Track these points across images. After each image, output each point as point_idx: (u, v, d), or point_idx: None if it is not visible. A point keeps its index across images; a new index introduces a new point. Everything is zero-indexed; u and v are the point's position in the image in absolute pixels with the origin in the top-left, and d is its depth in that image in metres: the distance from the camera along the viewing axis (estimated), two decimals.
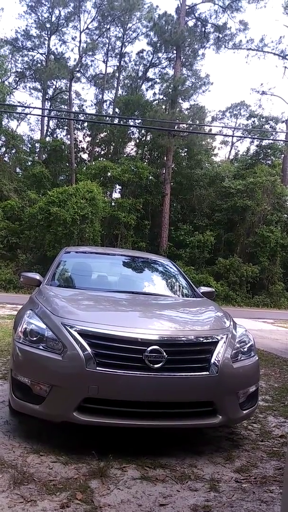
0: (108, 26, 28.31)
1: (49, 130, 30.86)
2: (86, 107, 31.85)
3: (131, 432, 3.11)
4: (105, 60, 30.16)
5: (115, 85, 30.79)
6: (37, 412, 2.89)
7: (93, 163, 26.66)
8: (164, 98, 27.33)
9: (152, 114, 23.15)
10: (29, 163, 26.71)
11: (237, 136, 32.70)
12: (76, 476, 2.54)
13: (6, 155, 26.24)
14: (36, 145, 28.65)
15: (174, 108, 24.57)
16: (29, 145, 28.85)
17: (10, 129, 25.88)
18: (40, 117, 29.60)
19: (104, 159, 27.50)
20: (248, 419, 3.53)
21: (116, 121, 27.93)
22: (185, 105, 27.23)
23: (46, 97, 29.76)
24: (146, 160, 27.87)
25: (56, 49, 29.48)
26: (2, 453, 2.76)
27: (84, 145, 30.68)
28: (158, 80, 28.77)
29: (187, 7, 25.46)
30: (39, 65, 28.97)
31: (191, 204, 25.67)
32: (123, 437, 3.12)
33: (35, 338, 2.98)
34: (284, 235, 23.84)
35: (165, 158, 25.87)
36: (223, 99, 51.53)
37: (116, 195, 26.85)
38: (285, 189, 24.56)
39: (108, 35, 29.15)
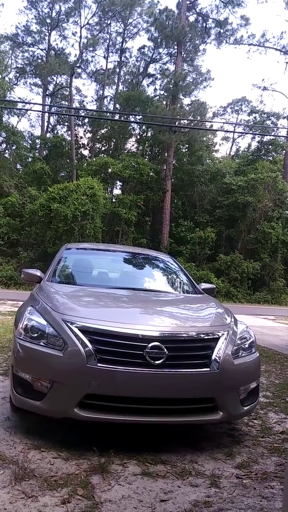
0: (108, 22, 28.21)
1: (50, 126, 30.81)
2: (87, 103, 31.80)
3: (132, 428, 3.11)
4: (106, 55, 30.08)
5: (116, 81, 30.71)
6: (38, 408, 2.89)
7: (94, 159, 26.63)
8: (165, 93, 27.26)
9: (153, 110, 23.10)
10: (30, 160, 26.67)
11: (238, 132, 32.63)
12: (77, 472, 2.55)
13: (7, 151, 26.19)
14: (37, 141, 28.59)
15: (175, 104, 24.51)
16: (30, 141, 28.80)
17: (10, 125, 25.81)
18: (41, 113, 29.54)
19: (105, 155, 27.46)
20: (249, 415, 3.53)
21: (116, 117, 27.86)
22: (186, 101, 27.21)
23: (47, 93, 29.68)
24: (147, 156, 27.83)
25: (57, 44, 29.43)
26: (3, 449, 2.76)
27: (85, 141, 30.67)
28: (159, 76, 28.71)
29: (188, 2, 25.33)
30: (39, 60, 28.86)
31: (192, 201, 25.64)
32: (124, 433, 3.12)
33: (36, 335, 2.98)
34: (285, 231, 23.81)
35: (166, 154, 25.83)
36: (224, 94, 51.48)
37: (117, 191, 26.89)
38: (287, 185, 24.50)
39: (109, 31, 29.07)
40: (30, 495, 2.25)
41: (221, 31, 26.24)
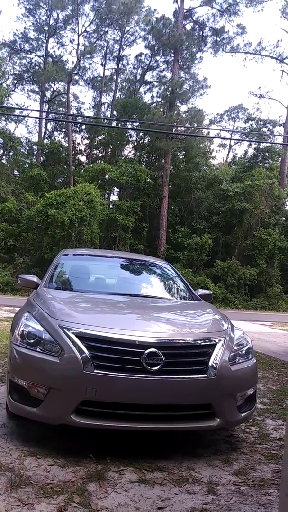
0: (106, 29, 28.40)
1: (47, 132, 30.89)
2: (84, 109, 31.92)
3: (129, 435, 3.10)
4: (103, 63, 30.24)
5: (113, 88, 30.88)
6: (35, 415, 2.88)
7: (91, 165, 26.68)
8: (162, 101, 27.42)
9: (150, 117, 23.21)
10: (27, 166, 26.69)
11: (235, 139, 32.83)
12: (74, 479, 2.53)
13: (4, 157, 26.19)
14: (34, 147, 28.64)
15: (172, 111, 24.64)
16: (27, 148, 28.84)
17: (8, 132, 25.84)
18: (38, 119, 29.63)
19: (102, 162, 27.53)
20: (246, 421, 3.52)
21: (114, 123, 27.99)
22: (183, 108, 27.34)
23: (44, 99, 29.79)
24: (144, 163, 27.92)
25: (54, 51, 29.55)
26: None
27: (82, 147, 30.76)
28: (156, 83, 28.89)
29: (185, 11, 25.55)
30: (37, 67, 28.98)
31: (189, 207, 25.71)
32: (120, 440, 3.11)
33: (32, 341, 2.97)
34: (282, 237, 23.90)
35: (163, 161, 25.92)
36: (221, 102, 51.91)
37: (114, 197, 26.93)
38: (283, 192, 24.63)
39: (106, 38, 29.27)
40: (26, 502, 2.24)
41: (218, 39, 26.45)
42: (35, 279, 4.28)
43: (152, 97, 29.26)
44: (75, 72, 27.53)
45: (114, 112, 28.98)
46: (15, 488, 2.36)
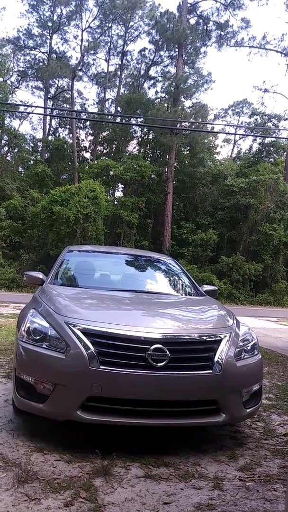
0: (110, 25, 28.28)
1: (51, 129, 30.92)
2: (88, 105, 31.87)
3: (135, 431, 3.11)
4: (107, 58, 30.17)
5: (117, 84, 30.78)
6: (41, 411, 2.90)
7: (96, 162, 26.65)
8: (166, 96, 27.29)
9: (154, 112, 23.13)
10: (32, 162, 26.74)
11: (239, 134, 32.62)
12: (80, 474, 2.55)
13: (9, 154, 26.26)
14: (39, 144, 28.68)
15: (176, 106, 24.52)
16: (32, 144, 28.90)
17: (12, 128, 25.90)
18: (42, 116, 29.62)
19: (107, 158, 27.49)
20: (251, 417, 3.53)
21: (118, 119, 27.87)
22: (187, 103, 27.23)
23: (48, 96, 29.76)
24: (149, 159, 27.85)
25: (58, 48, 29.50)
26: (6, 451, 2.76)
27: (87, 144, 30.73)
28: (160, 78, 28.75)
29: (188, 5, 25.38)
30: (41, 64, 28.95)
31: (193, 203, 25.64)
32: (126, 436, 3.12)
33: (38, 337, 2.99)
34: (287, 233, 23.77)
35: (167, 157, 25.85)
36: (226, 97, 51.51)
37: (118, 193, 26.89)
38: None
39: (110, 34, 29.16)
40: (33, 497, 2.25)
41: (222, 33, 26.26)
42: (40, 275, 4.29)
43: (156, 92, 29.18)
44: (79, 68, 27.47)
45: (118, 108, 28.89)
46: (22, 484, 2.37)
